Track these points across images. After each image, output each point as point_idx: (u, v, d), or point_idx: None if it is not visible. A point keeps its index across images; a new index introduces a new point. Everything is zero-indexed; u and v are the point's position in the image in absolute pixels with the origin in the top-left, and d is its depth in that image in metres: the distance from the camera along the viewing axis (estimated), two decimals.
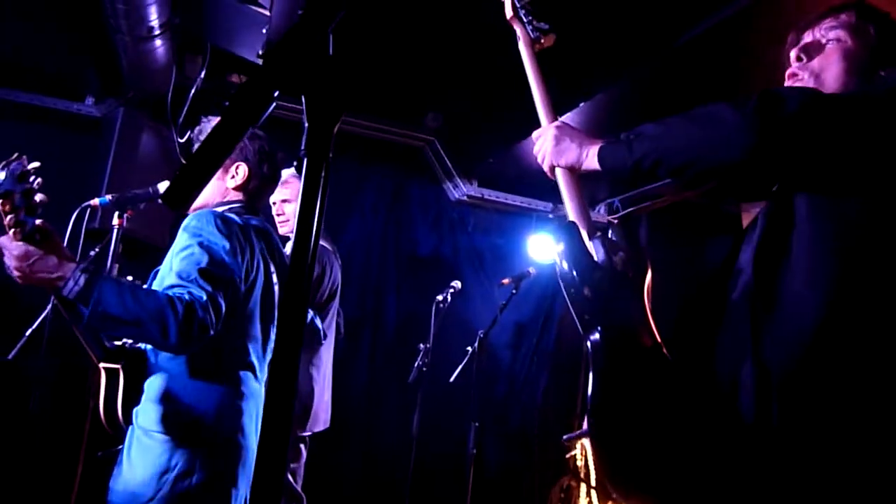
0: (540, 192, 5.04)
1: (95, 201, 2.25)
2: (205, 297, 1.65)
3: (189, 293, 1.64)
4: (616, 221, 1.45)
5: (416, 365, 3.72)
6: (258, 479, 0.73)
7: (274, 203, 3.09)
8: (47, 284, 1.60)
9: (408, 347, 3.95)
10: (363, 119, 4.40)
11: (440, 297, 3.83)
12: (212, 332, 1.66)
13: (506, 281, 3.96)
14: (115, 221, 2.34)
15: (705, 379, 1.20)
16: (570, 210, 1.45)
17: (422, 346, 3.73)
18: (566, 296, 1.30)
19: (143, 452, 1.71)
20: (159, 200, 2.11)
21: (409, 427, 3.74)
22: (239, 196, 2.00)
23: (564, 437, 3.54)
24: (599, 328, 1.22)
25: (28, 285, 1.62)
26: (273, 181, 2.12)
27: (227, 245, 1.77)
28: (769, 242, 1.18)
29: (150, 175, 3.46)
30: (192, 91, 3.63)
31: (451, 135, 4.69)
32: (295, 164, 0.67)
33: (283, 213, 3.09)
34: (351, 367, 4.31)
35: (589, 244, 1.34)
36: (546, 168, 1.52)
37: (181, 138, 2.22)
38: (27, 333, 2.80)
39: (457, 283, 3.89)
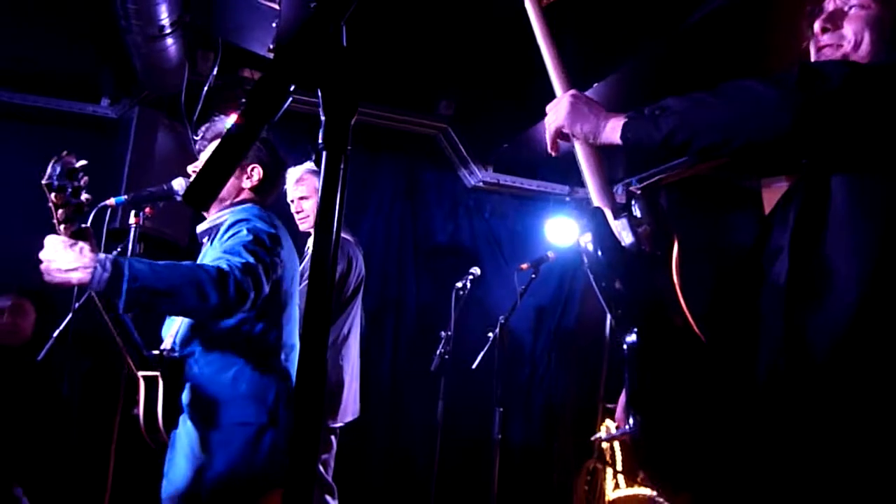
0: (556, 175, 5.01)
1: (112, 201, 2.27)
2: (242, 263, 1.69)
3: (227, 262, 1.69)
4: (639, 192, 1.36)
5: (437, 353, 3.73)
6: (292, 469, 0.74)
7: (292, 201, 3.11)
8: (80, 275, 1.62)
9: (429, 335, 3.96)
10: (375, 108, 4.39)
11: (459, 285, 3.83)
12: (251, 298, 1.69)
13: (525, 266, 3.95)
14: (132, 220, 2.37)
15: (744, 361, 1.17)
16: (591, 187, 1.37)
17: (443, 333, 3.74)
18: (596, 289, 1.25)
19: (210, 446, 1.75)
20: (178, 198, 2.12)
21: (433, 415, 3.76)
22: (253, 196, 2.05)
23: (603, 438, 3.53)
24: (636, 329, 1.17)
25: (60, 284, 1.65)
26: (281, 185, 2.20)
27: (273, 232, 1.86)
28: (806, 221, 1.15)
29: (168, 173, 3.46)
30: (206, 88, 3.65)
31: (464, 121, 4.67)
32: (313, 157, 0.67)
33: (303, 210, 3.10)
34: (374, 357, 4.33)
35: (615, 225, 1.28)
36: (551, 134, 1.41)
37: (197, 136, 2.24)
38: (54, 335, 2.84)
39: (476, 270, 3.89)
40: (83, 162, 1.69)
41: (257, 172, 2.05)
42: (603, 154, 1.39)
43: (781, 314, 1.12)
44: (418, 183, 4.89)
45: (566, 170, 4.95)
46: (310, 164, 3.14)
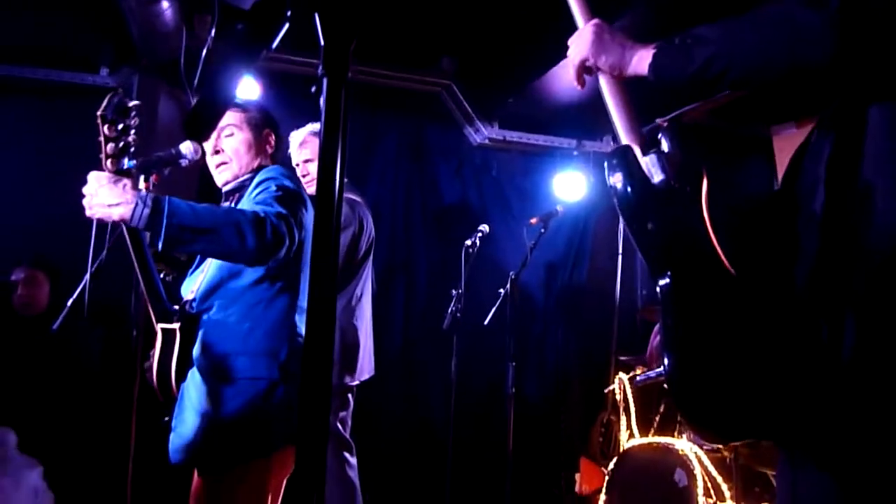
0: (563, 129, 4.96)
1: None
2: (276, 212, 1.73)
3: (262, 209, 1.73)
4: (666, 124, 1.29)
5: (449, 311, 3.73)
6: (302, 423, 0.73)
7: (297, 165, 3.09)
8: (121, 210, 1.65)
9: (440, 294, 3.97)
10: (376, 67, 4.32)
11: (469, 242, 3.82)
12: (286, 245, 1.73)
13: (534, 220, 3.93)
14: (142, 185, 2.36)
15: (780, 290, 1.12)
16: (618, 123, 1.29)
17: (454, 291, 3.74)
18: (628, 230, 1.20)
19: (223, 394, 1.77)
20: (185, 163, 2.11)
21: (447, 372, 3.78)
22: (269, 163, 2.07)
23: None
24: (669, 273, 1.13)
25: (101, 218, 1.69)
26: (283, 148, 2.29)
27: (300, 192, 1.91)
28: (843, 151, 1.09)
29: (171, 140, 3.46)
30: (204, 51, 3.59)
31: (468, 77, 4.60)
32: (314, 87, 0.65)
33: (309, 174, 3.07)
34: (386, 317, 4.35)
35: (644, 162, 1.22)
36: (575, 67, 1.33)
37: (195, 100, 2.23)
38: (68, 304, 2.86)
39: (485, 227, 3.87)
40: (136, 102, 1.74)
41: (273, 139, 2.08)
42: (630, 87, 1.31)
43: (818, 238, 1.08)
44: (423, 143, 4.84)
45: (573, 123, 4.89)
46: (312, 126, 3.10)
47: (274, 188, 1.85)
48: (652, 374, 3.52)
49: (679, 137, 1.22)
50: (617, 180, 1.21)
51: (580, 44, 1.32)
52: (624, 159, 1.23)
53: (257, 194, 1.85)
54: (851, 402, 1.04)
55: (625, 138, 1.28)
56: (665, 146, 1.21)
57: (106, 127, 1.68)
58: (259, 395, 1.78)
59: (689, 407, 1.11)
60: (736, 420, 1.10)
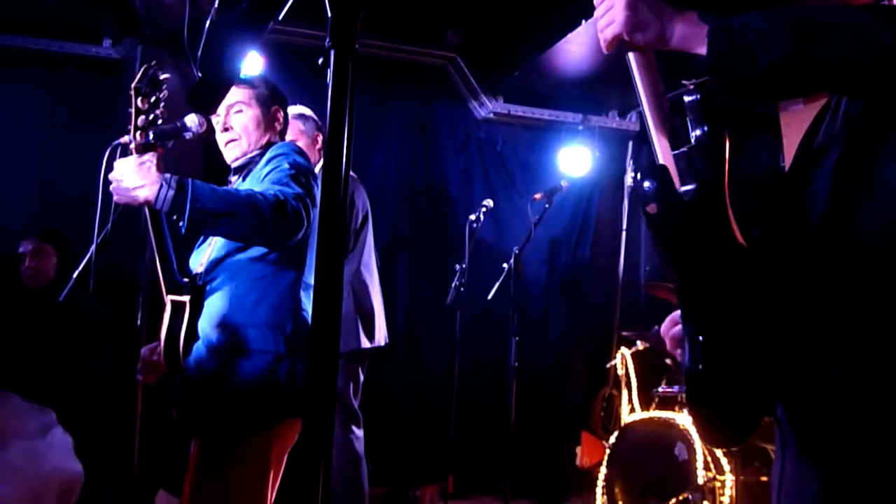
0: (569, 104, 4.92)
1: (125, 139, 2.25)
2: (293, 193, 1.75)
3: (279, 190, 1.75)
4: (692, 86, 1.17)
5: (453, 286, 3.75)
6: (309, 398, 0.74)
7: None
8: (146, 192, 1.67)
9: (444, 269, 3.98)
10: (380, 39, 4.28)
11: (473, 217, 3.82)
12: (304, 225, 1.76)
13: (538, 196, 3.92)
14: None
15: (794, 259, 1.08)
16: (646, 107, 1.15)
17: (458, 266, 3.75)
18: (659, 248, 1.14)
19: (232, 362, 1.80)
20: (189, 136, 2.10)
21: (451, 346, 3.81)
22: (278, 139, 2.07)
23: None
24: (694, 283, 1.08)
25: (128, 202, 1.72)
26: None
27: (311, 168, 1.93)
28: (861, 126, 1.05)
29: (174, 113, 3.44)
30: (207, 23, 3.56)
31: (473, 50, 4.55)
32: (321, 59, 0.65)
33: None
34: (390, 292, 4.36)
35: (672, 166, 1.12)
36: (607, 42, 1.15)
37: (201, 72, 2.20)
38: (74, 276, 2.87)
39: (489, 202, 3.87)
40: (167, 75, 1.76)
41: (281, 115, 2.08)
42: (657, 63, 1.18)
43: (828, 200, 1.04)
44: (428, 116, 4.82)
45: (579, 98, 4.85)
46: (295, 109, 3.08)
47: (287, 166, 1.85)
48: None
49: (705, 104, 1.13)
50: (652, 210, 1.11)
51: (613, 15, 1.13)
52: (661, 182, 1.10)
53: (270, 171, 1.85)
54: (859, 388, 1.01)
55: (652, 126, 1.16)
56: (693, 132, 1.11)
57: (139, 99, 1.70)
58: (265, 368, 1.79)
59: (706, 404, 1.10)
60: (748, 415, 1.08)
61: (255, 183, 1.88)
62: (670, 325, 1.21)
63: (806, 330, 1.05)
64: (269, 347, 1.81)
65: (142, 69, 1.73)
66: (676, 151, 1.12)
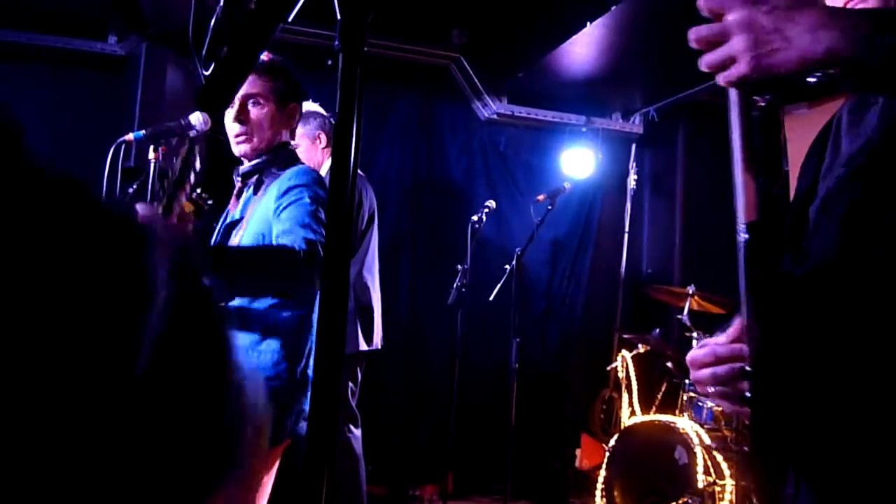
0: (572, 105, 4.92)
1: (130, 136, 2.25)
2: (316, 239, 1.76)
3: (304, 238, 1.76)
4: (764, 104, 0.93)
5: (454, 286, 3.75)
6: (315, 400, 0.74)
7: None
8: None
9: (446, 269, 3.99)
10: (384, 39, 4.28)
11: (475, 218, 3.82)
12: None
13: (541, 197, 3.92)
14: (151, 156, 2.34)
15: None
16: (738, 149, 0.86)
17: (459, 267, 3.75)
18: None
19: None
20: (191, 133, 2.10)
21: (452, 346, 3.81)
22: (290, 138, 2.06)
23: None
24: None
25: None
26: None
27: (327, 199, 1.94)
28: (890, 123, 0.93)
29: (179, 110, 3.46)
30: (213, 21, 3.56)
31: (478, 51, 4.55)
32: (329, 61, 0.65)
33: None
34: (391, 291, 4.36)
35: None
36: (743, 76, 0.81)
37: (206, 70, 2.19)
38: None
39: (491, 203, 3.87)
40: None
41: (297, 111, 2.04)
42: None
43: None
44: (431, 117, 4.81)
45: (583, 99, 4.85)
46: None
47: (308, 200, 1.83)
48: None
49: (769, 125, 0.92)
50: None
51: (730, 50, 0.81)
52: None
53: (289, 204, 1.83)
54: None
55: (740, 185, 0.88)
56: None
57: (192, 173, 1.77)
58: (271, 386, 1.80)
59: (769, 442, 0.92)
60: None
61: (269, 212, 1.86)
62: (710, 357, 1.01)
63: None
64: (284, 375, 1.81)
65: (186, 143, 1.80)
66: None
